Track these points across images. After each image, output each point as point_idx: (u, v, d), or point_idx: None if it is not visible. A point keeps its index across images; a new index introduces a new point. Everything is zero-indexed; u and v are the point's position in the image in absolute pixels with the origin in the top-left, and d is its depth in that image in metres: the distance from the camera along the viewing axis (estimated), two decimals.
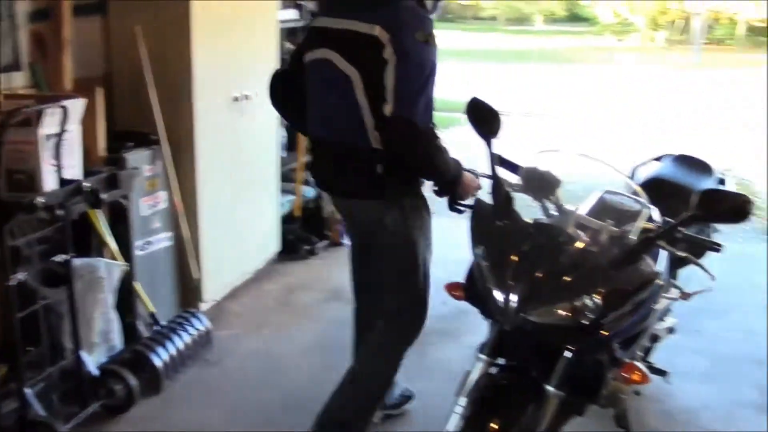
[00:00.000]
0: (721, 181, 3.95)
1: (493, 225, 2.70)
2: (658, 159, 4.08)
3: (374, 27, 2.81)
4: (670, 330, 3.83)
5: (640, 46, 39.50)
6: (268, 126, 5.32)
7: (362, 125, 2.92)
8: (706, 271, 2.75)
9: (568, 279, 2.46)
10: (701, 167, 3.96)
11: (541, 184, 2.81)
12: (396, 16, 2.83)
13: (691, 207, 2.37)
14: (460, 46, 25.37)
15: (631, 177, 3.82)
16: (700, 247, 2.76)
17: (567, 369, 2.52)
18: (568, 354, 2.51)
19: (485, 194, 2.84)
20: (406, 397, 3.80)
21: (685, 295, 3.40)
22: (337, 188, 3.28)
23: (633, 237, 2.55)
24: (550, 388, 2.52)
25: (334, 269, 5.61)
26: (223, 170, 4.80)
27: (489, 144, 2.79)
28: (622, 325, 2.54)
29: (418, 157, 2.94)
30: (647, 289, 2.55)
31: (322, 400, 3.24)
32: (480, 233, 2.70)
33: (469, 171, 3.08)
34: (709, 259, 2.87)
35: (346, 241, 5.95)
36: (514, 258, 2.54)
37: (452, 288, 2.89)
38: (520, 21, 41.59)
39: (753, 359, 4.44)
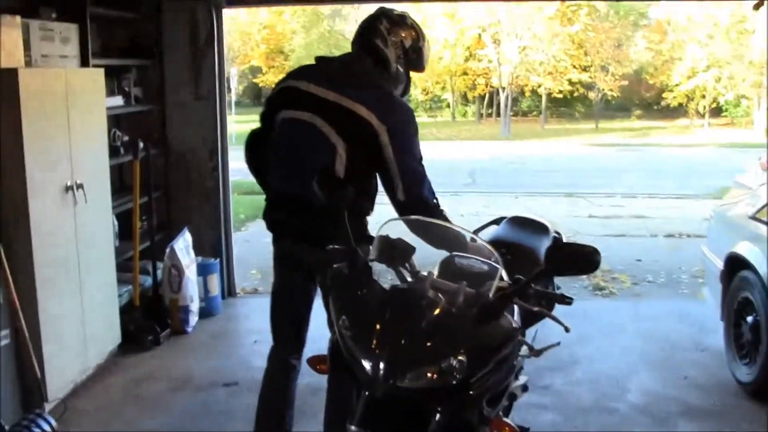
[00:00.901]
0: (557, 239, 4.16)
1: (353, 294, 2.72)
2: (496, 222, 4.23)
3: (371, 115, 3.16)
4: (524, 388, 3.92)
5: (452, 121, 41.35)
6: (101, 215, 5.16)
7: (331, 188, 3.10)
8: (560, 323, 2.84)
9: (433, 341, 2.49)
10: (537, 227, 4.14)
11: (394, 253, 2.86)
12: (393, 112, 3.24)
13: (543, 262, 2.48)
14: None
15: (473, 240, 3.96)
16: (551, 302, 2.87)
17: (438, 431, 2.54)
18: (438, 416, 2.53)
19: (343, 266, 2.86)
20: None
21: (536, 352, 3.50)
22: (294, 234, 3.44)
23: (490, 295, 2.62)
24: None
25: (179, 358, 5.45)
26: (59, 262, 4.60)
27: (342, 215, 2.83)
28: (489, 382, 2.59)
29: None
30: (510, 345, 2.63)
31: None
32: (342, 303, 2.71)
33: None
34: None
35: (188, 328, 5.85)
36: (378, 325, 2.56)
37: (315, 361, 2.87)
38: None
39: (601, 408, 4.64)
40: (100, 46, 5.92)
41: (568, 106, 41.47)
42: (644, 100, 41.21)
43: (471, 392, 2.52)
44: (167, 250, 5.92)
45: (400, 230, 2.96)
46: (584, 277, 7.66)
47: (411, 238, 2.94)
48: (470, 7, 34.24)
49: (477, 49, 37.60)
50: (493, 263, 2.92)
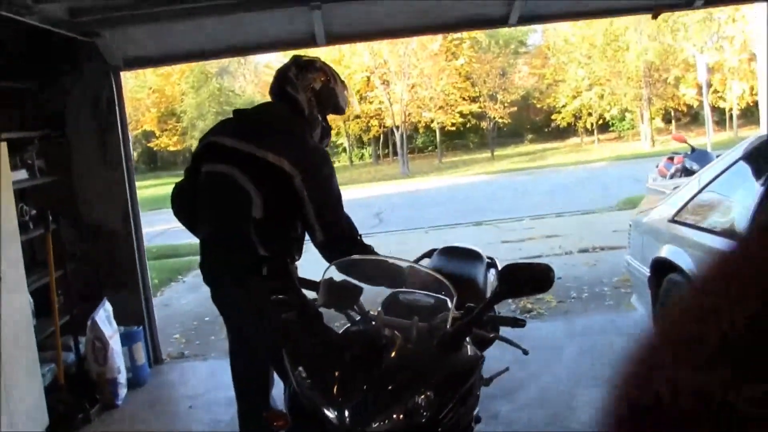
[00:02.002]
0: (492, 264, 4.17)
1: (307, 343, 2.65)
2: (427, 255, 4.22)
3: (282, 161, 3.24)
4: (477, 419, 3.89)
5: (350, 166, 41.60)
6: (16, 293, 4.91)
7: (249, 234, 3.29)
8: (518, 346, 2.85)
9: (397, 381, 2.44)
10: (470, 255, 4.15)
11: (342, 296, 2.81)
12: (304, 154, 3.34)
13: (498, 284, 2.47)
14: None
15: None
16: (496, 327, 2.88)
17: None
18: None
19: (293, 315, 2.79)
20: None
21: (485, 381, 3.48)
22: (226, 278, 3.46)
23: (448, 326, 2.59)
24: None
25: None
26: None
27: (287, 266, 2.78)
28: (456, 416, 2.54)
29: None
30: (475, 374, 2.60)
31: None
32: (296, 353, 2.64)
33: None
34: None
35: (119, 401, 5.62)
36: (338, 372, 2.49)
37: (272, 418, 2.76)
38: None
39: (554, 430, 4.65)
40: None
41: (462, 137, 42.29)
42: (535, 123, 42.44)
43: (440, 429, 2.47)
44: (89, 322, 5.68)
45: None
46: (509, 300, 7.72)
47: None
48: (353, 50, 34.56)
49: (367, 91, 38.04)
50: (441, 296, 2.91)
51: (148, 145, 41.15)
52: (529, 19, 6.42)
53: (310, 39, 6.24)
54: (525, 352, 2.83)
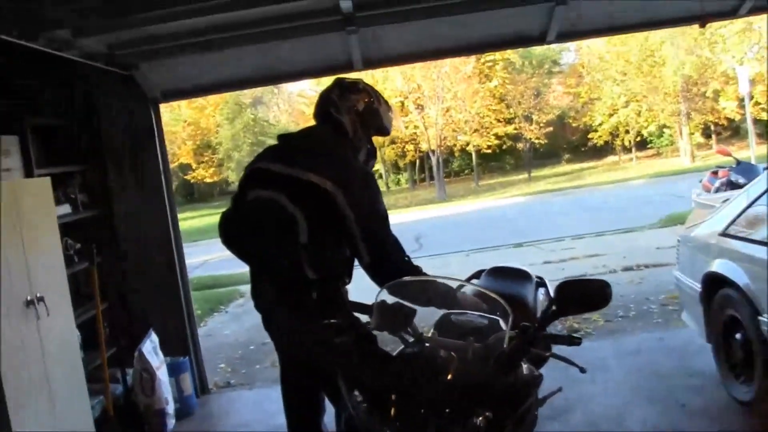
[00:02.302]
0: (541, 284, 4.11)
1: (362, 367, 2.61)
2: (476, 276, 4.17)
3: (325, 181, 3.21)
4: None
5: (386, 191, 41.64)
6: (65, 327, 4.94)
7: (297, 259, 3.22)
8: (574, 364, 2.78)
9: (456, 402, 2.39)
10: (518, 274, 4.09)
11: (396, 318, 2.76)
12: (347, 174, 3.29)
13: (554, 301, 2.41)
14: None
15: None
16: (548, 345, 2.81)
17: None
18: None
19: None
20: None
21: (539, 401, 3.41)
22: (277, 304, 3.42)
23: (504, 346, 2.53)
24: None
25: None
26: (29, 382, 4.34)
27: (339, 288, 2.75)
28: None
29: None
30: (533, 393, 2.54)
31: None
32: (352, 378, 2.60)
33: None
34: None
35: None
36: (394, 395, 2.45)
37: None
38: None
39: None
40: (41, 155, 5.76)
41: (498, 160, 42.13)
42: (571, 143, 42.13)
43: None
44: (136, 353, 5.70)
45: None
46: (556, 321, 7.60)
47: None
48: (386, 76, 34.71)
49: (401, 116, 38.11)
50: (494, 316, 2.86)
51: (185, 177, 41.56)
52: (567, 35, 6.35)
53: (346, 64, 6.24)
54: (582, 371, 2.77)
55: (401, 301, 2.82)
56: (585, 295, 2.46)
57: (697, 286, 5.17)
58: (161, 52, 5.76)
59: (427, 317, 3.05)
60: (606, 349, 6.45)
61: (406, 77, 35.14)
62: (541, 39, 6.26)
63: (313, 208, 3.24)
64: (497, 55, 35.16)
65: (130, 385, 5.78)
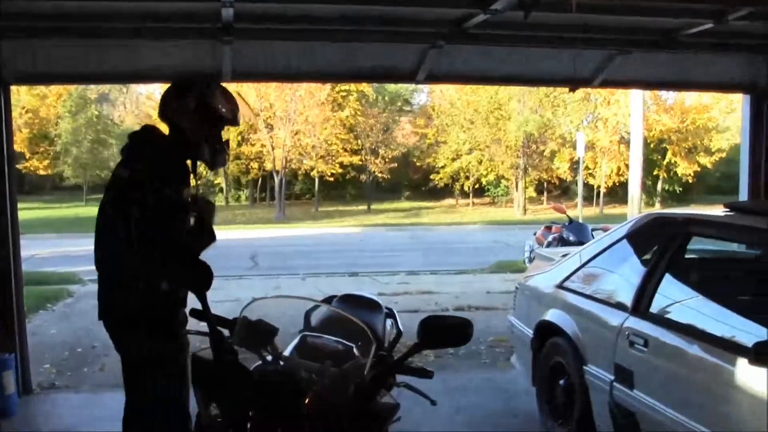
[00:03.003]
0: (389, 314, 4.20)
1: (220, 381, 2.58)
2: (326, 301, 4.20)
3: (126, 172, 3.24)
4: None
5: (226, 206, 41.04)
6: None
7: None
8: (426, 397, 2.87)
9: (315, 426, 2.41)
10: (369, 304, 4.18)
11: (257, 335, 2.76)
12: (149, 168, 3.18)
13: (419, 335, 2.49)
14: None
15: (308, 321, 3.91)
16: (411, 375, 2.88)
17: None
18: None
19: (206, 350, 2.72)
20: None
21: None
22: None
23: (365, 372, 2.58)
24: None
25: None
26: None
27: (203, 299, 2.72)
28: None
29: None
30: (391, 422, 2.59)
31: None
32: (208, 392, 2.57)
33: None
34: None
35: None
36: (252, 412, 2.44)
37: None
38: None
39: None
40: None
41: (340, 188, 42.48)
42: (413, 181, 43.10)
43: None
44: None
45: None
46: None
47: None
48: (240, 90, 34.39)
49: (250, 133, 37.82)
50: (350, 343, 2.91)
51: (16, 167, 39.44)
52: (437, 77, 6.58)
53: (215, 73, 6.16)
54: (433, 403, 2.87)
55: (264, 319, 2.82)
56: (448, 331, 2.55)
57: (530, 332, 5.43)
58: (24, 31, 5.50)
59: (286, 338, 3.06)
60: (435, 385, 6.58)
61: (259, 94, 34.93)
62: (411, 77, 6.44)
63: (125, 205, 3.14)
64: (353, 86, 35.61)
65: None
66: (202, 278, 2.77)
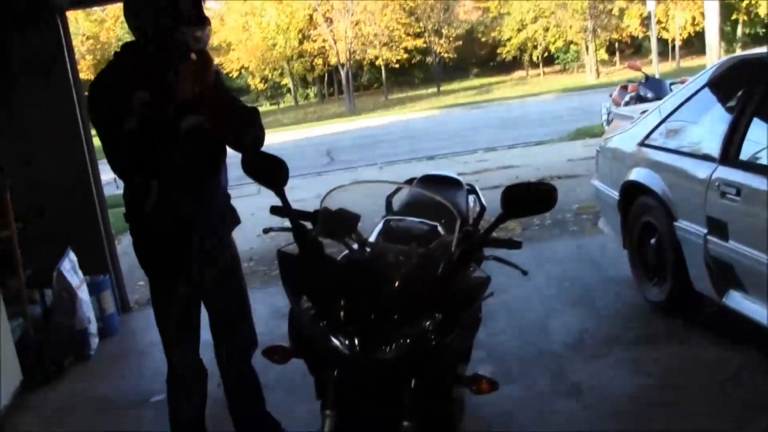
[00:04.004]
0: (471, 191, 4.16)
1: (309, 273, 2.60)
2: (408, 183, 4.17)
3: None
4: None
5: (295, 106, 41.13)
6: None
7: None
8: (517, 267, 2.84)
9: (406, 307, 2.41)
10: (450, 182, 4.13)
11: (339, 224, 2.75)
12: None
13: (502, 205, 2.45)
14: None
15: (389, 205, 3.91)
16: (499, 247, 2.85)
17: (414, 398, 2.46)
18: (414, 383, 2.44)
19: (290, 246, 2.73)
20: None
21: None
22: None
23: (453, 248, 2.55)
24: (405, 423, 2.45)
25: (91, 383, 5.19)
26: None
27: (281, 195, 2.71)
28: (463, 339, 2.54)
29: None
30: (481, 295, 2.58)
31: None
32: (298, 284, 2.58)
33: None
34: None
35: (91, 351, 5.53)
36: (343, 300, 2.45)
37: (271, 352, 2.72)
38: None
39: (535, 353, 4.69)
40: None
41: (407, 74, 42.07)
42: (480, 58, 42.35)
43: (447, 352, 2.46)
44: (54, 274, 5.54)
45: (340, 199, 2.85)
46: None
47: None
48: None
49: (310, 30, 37.49)
50: (434, 222, 2.88)
51: (86, 93, 40.12)
52: None
53: None
54: (524, 273, 2.85)
55: (345, 207, 2.80)
56: (532, 198, 2.49)
57: (615, 194, 5.32)
58: None
59: (369, 225, 3.05)
60: (525, 257, 6.56)
61: None
62: None
63: None
64: None
65: (49, 306, 5.64)
66: (277, 173, 2.72)
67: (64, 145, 6.18)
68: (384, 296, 2.44)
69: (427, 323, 2.38)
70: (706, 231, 4.23)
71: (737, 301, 4.21)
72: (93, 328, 5.71)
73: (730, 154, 4.14)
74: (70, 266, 5.68)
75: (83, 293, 5.69)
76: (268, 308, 5.32)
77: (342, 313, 2.41)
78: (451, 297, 2.44)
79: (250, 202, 6.70)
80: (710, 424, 3.67)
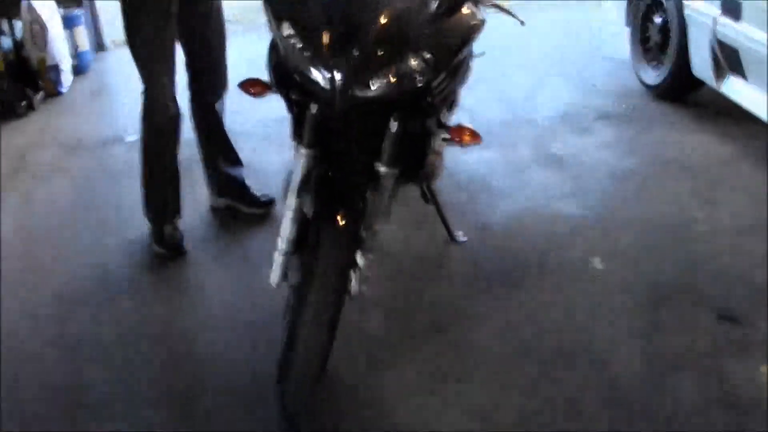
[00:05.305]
0: None
1: None
2: None
3: None
4: None
5: None
6: None
7: None
8: (514, 17, 2.65)
9: (394, 42, 2.19)
10: None
11: None
12: None
13: None
14: None
15: None
16: None
17: (393, 143, 2.31)
18: (395, 125, 2.28)
19: None
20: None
21: None
22: None
23: None
24: (383, 168, 2.31)
25: (62, 120, 5.01)
26: None
27: None
28: (451, 84, 2.36)
29: None
30: (475, 39, 2.38)
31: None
32: (280, 8, 2.34)
33: None
34: None
35: (63, 88, 5.34)
36: (328, 31, 2.23)
37: (247, 85, 2.52)
38: None
39: (520, 121, 4.58)
40: None
41: None
42: None
43: (433, 96, 2.28)
44: (23, 3, 5.23)
45: None
46: None
47: None
48: None
49: None
50: None
51: None
52: None
53: None
54: (521, 23, 2.65)
55: None
56: None
57: None
58: None
59: None
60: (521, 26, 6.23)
61: None
62: None
63: None
64: None
65: (19, 38, 5.36)
66: None
67: None
68: (371, 29, 2.22)
69: (416, 62, 2.19)
70: (719, 12, 4.01)
71: (735, 88, 4.07)
72: (67, 65, 5.49)
73: None
74: None
75: (56, 26, 5.40)
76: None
77: (326, 44, 2.20)
78: (444, 36, 2.24)
79: None
80: (696, 205, 3.63)
